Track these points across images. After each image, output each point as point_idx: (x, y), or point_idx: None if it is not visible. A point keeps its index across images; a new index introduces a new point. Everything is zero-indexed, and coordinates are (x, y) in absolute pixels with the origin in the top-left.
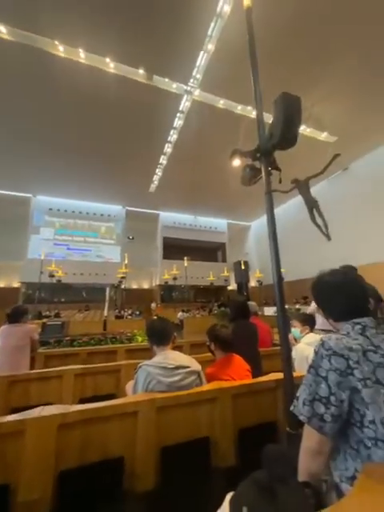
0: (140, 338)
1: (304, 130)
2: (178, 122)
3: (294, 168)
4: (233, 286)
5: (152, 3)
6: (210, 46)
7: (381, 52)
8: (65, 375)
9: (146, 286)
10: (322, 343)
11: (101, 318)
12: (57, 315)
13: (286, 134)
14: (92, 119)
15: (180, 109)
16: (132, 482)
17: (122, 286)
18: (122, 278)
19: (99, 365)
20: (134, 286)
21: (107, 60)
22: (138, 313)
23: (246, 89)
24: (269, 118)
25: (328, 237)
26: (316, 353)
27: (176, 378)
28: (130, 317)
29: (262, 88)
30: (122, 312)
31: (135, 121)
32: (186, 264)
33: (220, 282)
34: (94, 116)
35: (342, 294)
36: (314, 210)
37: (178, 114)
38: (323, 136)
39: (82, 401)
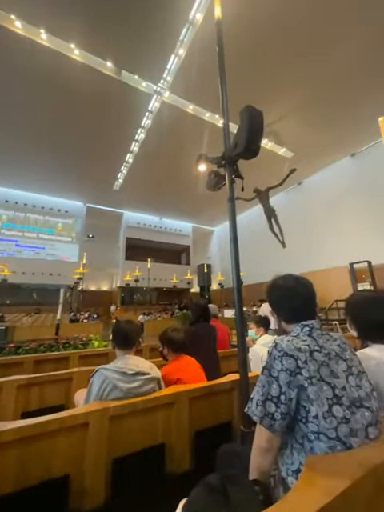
0: (96, 343)
1: (266, 143)
2: (147, 122)
3: (256, 178)
4: (195, 289)
5: None
6: (182, 51)
7: (332, 82)
8: (4, 387)
9: (105, 287)
10: (275, 345)
11: (53, 321)
12: (0, 319)
13: (249, 145)
14: (54, 106)
15: (149, 108)
16: (80, 501)
17: (79, 288)
18: (79, 278)
19: (47, 374)
20: (93, 288)
21: (72, 46)
22: (95, 316)
23: (213, 97)
24: (234, 128)
25: (283, 244)
26: (269, 354)
27: (135, 384)
28: (86, 320)
29: (228, 98)
30: (78, 315)
31: (101, 114)
32: (149, 265)
33: (183, 285)
34: (56, 103)
35: (294, 298)
36: (272, 219)
37: (147, 114)
38: (282, 151)
39: (25, 415)
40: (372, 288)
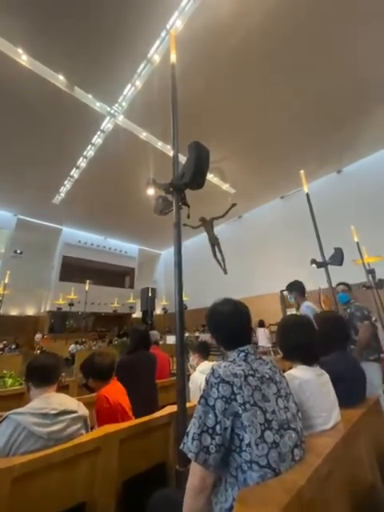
0: (10, 381)
1: (212, 178)
2: (98, 140)
3: (202, 208)
4: (138, 314)
5: (84, 17)
6: (138, 83)
7: (267, 136)
8: None
9: (31, 312)
10: (212, 371)
11: None
12: None
13: (195, 177)
14: None
15: (101, 128)
16: None
17: None
18: None
19: None
20: (14, 313)
21: (19, 50)
22: (13, 346)
23: (166, 129)
24: (183, 159)
25: (225, 271)
26: (207, 381)
27: (57, 427)
28: (0, 352)
29: (179, 133)
30: None
31: (47, 124)
32: (87, 288)
33: (125, 310)
34: None
35: (231, 325)
36: (216, 247)
37: (99, 132)
38: (226, 187)
39: None
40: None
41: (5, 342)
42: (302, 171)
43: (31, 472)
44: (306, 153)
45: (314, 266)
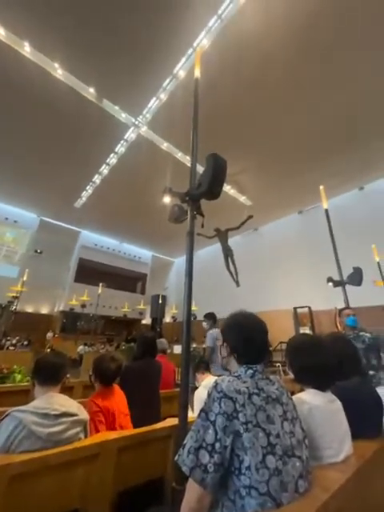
0: (19, 377)
1: (229, 189)
2: (121, 149)
3: (218, 219)
4: (147, 320)
5: (116, 35)
6: (163, 96)
7: (286, 150)
8: None
9: (45, 310)
10: (215, 385)
11: None
12: None
13: (211, 188)
14: (18, 111)
15: (125, 137)
16: None
17: (12, 308)
18: (15, 297)
19: None
20: (29, 310)
21: (56, 65)
22: (26, 343)
23: (186, 140)
24: (201, 170)
25: (237, 283)
26: (209, 395)
27: (57, 429)
28: (13, 347)
29: (199, 145)
30: (4, 341)
31: (74, 132)
32: (100, 290)
33: (134, 315)
34: (23, 109)
35: (251, 342)
36: (229, 259)
37: (122, 142)
38: (242, 199)
39: None
40: (311, 332)
41: (18, 337)
42: (321, 187)
43: (28, 472)
44: (327, 168)
45: (330, 284)
